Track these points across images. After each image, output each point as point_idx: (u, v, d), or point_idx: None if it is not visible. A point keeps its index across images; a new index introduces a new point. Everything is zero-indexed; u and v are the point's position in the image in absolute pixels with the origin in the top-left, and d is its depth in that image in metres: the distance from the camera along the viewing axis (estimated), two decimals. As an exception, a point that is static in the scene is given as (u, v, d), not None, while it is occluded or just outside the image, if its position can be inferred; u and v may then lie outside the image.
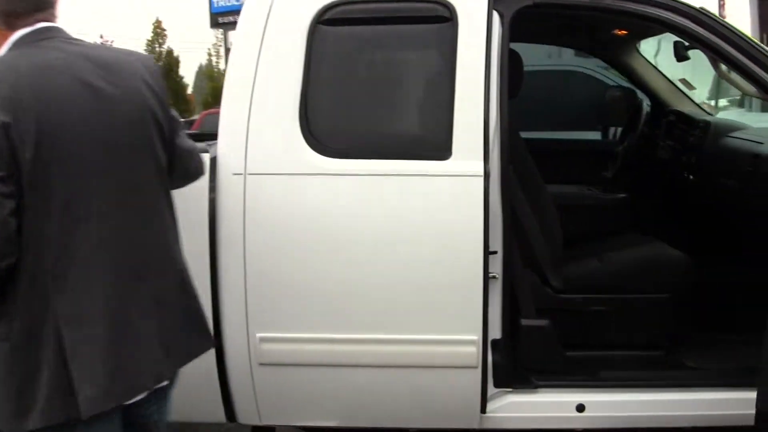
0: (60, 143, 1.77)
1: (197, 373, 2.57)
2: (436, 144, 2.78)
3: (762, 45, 2.90)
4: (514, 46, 2.96)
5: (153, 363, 1.96)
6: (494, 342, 2.84)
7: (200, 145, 2.85)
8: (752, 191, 3.19)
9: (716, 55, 2.94)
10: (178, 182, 2.21)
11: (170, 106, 2.11)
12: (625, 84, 4.88)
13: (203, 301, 2.19)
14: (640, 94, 4.71)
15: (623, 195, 4.20)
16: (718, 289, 3.54)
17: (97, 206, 1.85)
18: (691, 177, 3.85)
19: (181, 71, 43.95)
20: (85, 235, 1.82)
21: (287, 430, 3.13)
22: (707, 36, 2.86)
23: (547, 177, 3.38)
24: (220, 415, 2.88)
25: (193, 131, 11.35)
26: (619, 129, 5.07)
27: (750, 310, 2.76)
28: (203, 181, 2.69)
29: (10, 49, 1.87)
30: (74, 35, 1.97)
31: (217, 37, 44.40)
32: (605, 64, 5.37)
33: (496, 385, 2.88)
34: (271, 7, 2.84)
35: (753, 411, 2.55)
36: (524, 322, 3.03)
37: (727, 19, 3.28)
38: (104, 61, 1.92)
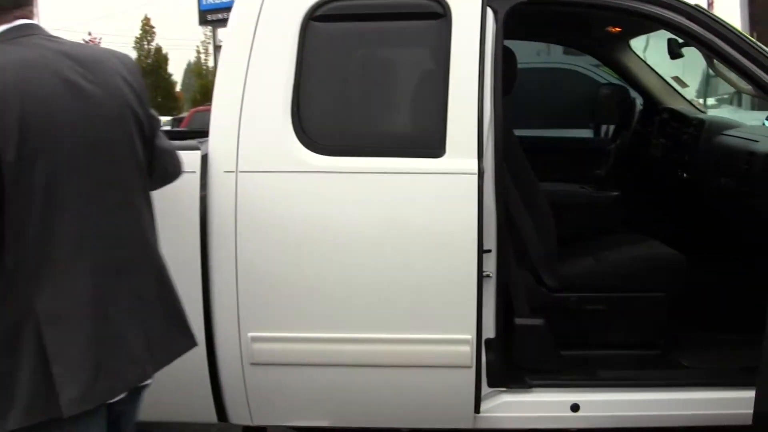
0: (42, 140, 1.76)
1: (188, 373, 2.56)
2: (429, 141, 2.76)
3: (756, 42, 2.89)
4: (507, 43, 2.95)
5: (136, 360, 1.94)
6: (488, 341, 2.83)
7: (191, 142, 2.84)
8: (747, 189, 3.18)
9: (711, 53, 2.94)
10: (157, 182, 2.21)
11: (152, 104, 2.11)
12: (618, 81, 4.88)
13: (194, 299, 2.17)
14: (633, 92, 4.70)
15: (616, 193, 4.19)
16: (713, 288, 3.54)
17: (78, 203, 1.83)
18: (685, 175, 3.85)
19: (170, 68, 43.97)
20: (65, 232, 1.81)
21: (279, 430, 3.11)
22: (702, 33, 2.86)
23: (540, 175, 3.36)
24: (211, 415, 2.86)
25: (183, 128, 11.41)
26: (612, 127, 5.07)
27: (745, 309, 2.76)
28: (194, 179, 2.67)
29: None
30: (62, 33, 1.95)
31: (205, 35, 44.28)
32: (597, 62, 5.37)
33: (490, 384, 2.87)
34: (262, 3, 2.82)
35: (748, 410, 2.55)
36: (518, 321, 3.03)
37: (718, 17, 3.27)
38: (84, 58, 1.92)
